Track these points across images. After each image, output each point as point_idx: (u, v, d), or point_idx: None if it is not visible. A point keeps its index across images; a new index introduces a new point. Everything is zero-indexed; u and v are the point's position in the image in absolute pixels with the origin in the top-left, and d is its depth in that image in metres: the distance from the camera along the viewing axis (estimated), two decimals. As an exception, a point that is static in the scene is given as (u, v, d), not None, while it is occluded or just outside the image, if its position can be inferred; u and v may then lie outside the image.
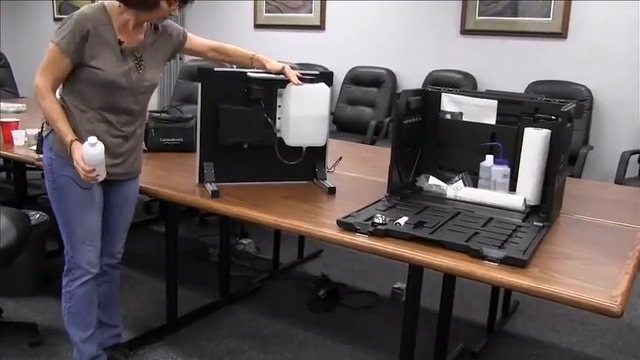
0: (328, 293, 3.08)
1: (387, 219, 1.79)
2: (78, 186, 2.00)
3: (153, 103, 2.64)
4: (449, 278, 2.33)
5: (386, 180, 2.09)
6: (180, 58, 5.72)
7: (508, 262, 1.56)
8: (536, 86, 4.32)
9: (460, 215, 1.93)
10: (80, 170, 1.90)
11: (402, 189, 2.16)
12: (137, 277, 3.26)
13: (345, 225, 1.79)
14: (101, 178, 1.95)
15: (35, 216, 2.93)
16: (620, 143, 4.13)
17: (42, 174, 2.12)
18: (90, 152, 1.88)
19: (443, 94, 2.26)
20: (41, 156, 2.16)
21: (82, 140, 1.93)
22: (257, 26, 5.79)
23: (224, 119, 2.18)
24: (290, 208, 2.02)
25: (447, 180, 2.21)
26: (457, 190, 2.13)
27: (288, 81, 2.16)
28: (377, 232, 1.73)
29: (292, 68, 2.19)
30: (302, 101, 2.18)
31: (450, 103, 2.25)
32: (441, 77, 4.65)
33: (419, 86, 4.35)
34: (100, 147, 1.89)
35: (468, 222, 1.85)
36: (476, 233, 1.74)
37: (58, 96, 2.00)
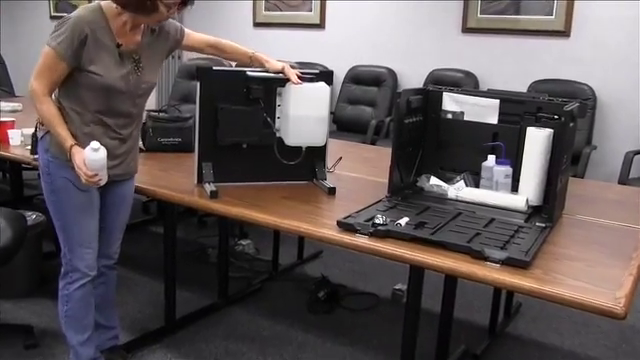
0: (328, 294, 3.05)
1: (388, 220, 1.77)
2: (76, 189, 1.98)
3: (151, 102, 2.62)
4: (450, 279, 2.32)
5: (387, 180, 2.08)
6: (179, 57, 5.71)
7: (510, 263, 1.54)
8: (538, 85, 4.30)
9: (461, 216, 1.92)
10: (82, 175, 1.88)
11: (403, 189, 2.15)
12: (135, 278, 3.24)
13: (345, 226, 1.77)
14: (103, 182, 1.93)
15: (31, 217, 2.90)
16: (624, 143, 4.10)
17: (38, 174, 2.10)
18: (93, 157, 1.86)
19: (444, 93, 2.24)
20: (37, 156, 2.14)
21: (80, 143, 1.91)
22: (256, 24, 5.77)
23: (223, 118, 2.16)
24: (290, 208, 2.00)
25: (448, 180, 2.19)
26: (458, 190, 2.11)
27: (288, 80, 2.15)
28: (378, 233, 1.72)
29: (292, 67, 2.18)
30: (302, 100, 2.16)
31: (451, 102, 2.23)
32: (442, 76, 4.62)
33: (420, 85, 4.31)
34: (103, 152, 1.87)
35: (470, 223, 1.84)
36: (478, 234, 1.73)
37: (54, 98, 1.97)
